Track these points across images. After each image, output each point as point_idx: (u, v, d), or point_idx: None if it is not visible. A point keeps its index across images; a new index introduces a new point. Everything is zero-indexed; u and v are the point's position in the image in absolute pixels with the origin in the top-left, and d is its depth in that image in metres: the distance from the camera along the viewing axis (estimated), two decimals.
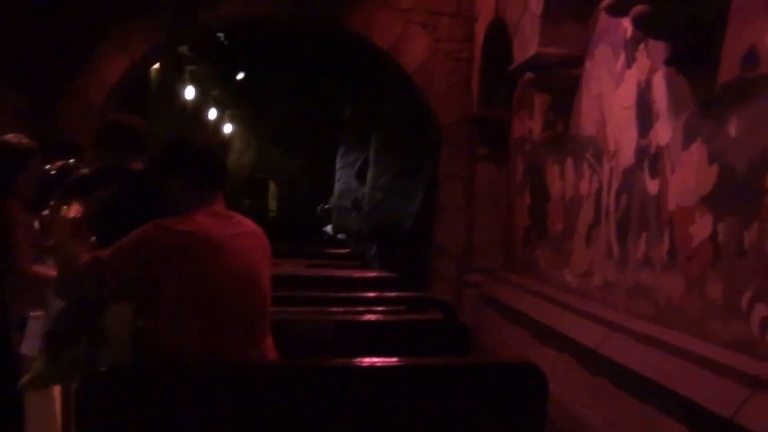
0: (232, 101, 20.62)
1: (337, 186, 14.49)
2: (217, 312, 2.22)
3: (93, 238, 4.21)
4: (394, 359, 2.15)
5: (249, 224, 2.50)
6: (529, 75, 5.70)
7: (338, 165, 14.46)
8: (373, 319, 3.10)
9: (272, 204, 25.20)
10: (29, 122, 7.29)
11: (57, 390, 5.31)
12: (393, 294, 3.50)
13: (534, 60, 5.51)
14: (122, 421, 1.91)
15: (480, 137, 7.71)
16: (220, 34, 13.71)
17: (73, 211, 3.98)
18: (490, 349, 6.09)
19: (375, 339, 2.88)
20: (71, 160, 5.10)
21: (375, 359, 2.14)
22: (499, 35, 6.82)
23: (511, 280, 6.67)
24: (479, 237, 7.68)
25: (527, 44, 5.72)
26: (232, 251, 2.30)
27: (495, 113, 7.51)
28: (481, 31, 7.56)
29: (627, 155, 4.44)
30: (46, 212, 4.04)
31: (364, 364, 2.14)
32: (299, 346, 2.82)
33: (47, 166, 4.67)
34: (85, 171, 3.74)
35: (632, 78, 4.44)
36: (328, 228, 15.16)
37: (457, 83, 8.00)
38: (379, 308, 3.30)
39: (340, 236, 13.94)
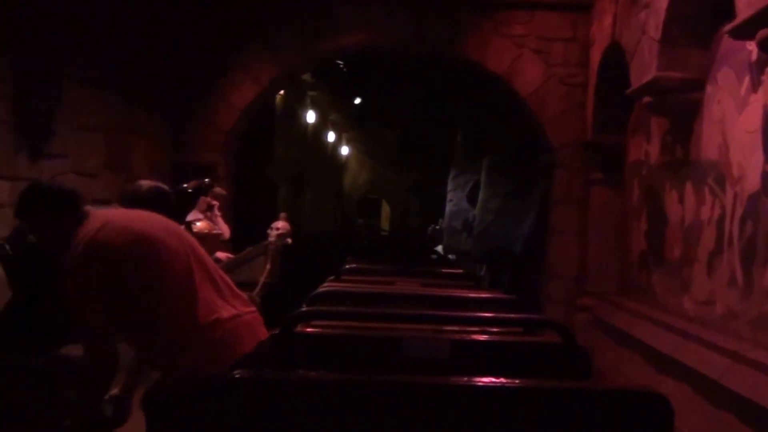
0: (349, 125, 21.07)
1: (449, 207, 14.46)
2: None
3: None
4: (513, 380, 2.10)
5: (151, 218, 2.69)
6: (647, 99, 5.51)
7: (450, 187, 14.45)
8: (489, 339, 3.03)
9: (385, 224, 25.48)
10: (167, 144, 7.72)
11: None
12: (509, 315, 3.42)
13: (652, 84, 5.33)
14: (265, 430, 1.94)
15: (594, 161, 7.51)
16: (340, 62, 14.06)
17: (206, 227, 4.17)
18: (605, 375, 5.87)
19: (491, 359, 2.82)
20: (206, 179, 5.38)
21: (493, 379, 2.09)
22: (615, 60, 6.64)
23: (625, 305, 6.41)
24: (592, 261, 7.46)
25: (645, 68, 5.53)
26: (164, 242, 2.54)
27: (610, 137, 7.31)
28: (596, 56, 7.38)
29: (752, 181, 4.19)
30: (181, 227, 4.27)
31: (482, 384, 2.10)
32: (415, 364, 2.80)
33: (184, 185, 4.94)
34: (220, 190, 3.93)
35: (758, 102, 4.20)
36: (439, 248, 15.16)
37: (571, 107, 7.84)
38: (495, 329, 3.23)
39: (450, 256, 13.89)
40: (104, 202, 6.54)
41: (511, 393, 2.06)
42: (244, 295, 2.75)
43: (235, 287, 2.71)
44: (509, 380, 2.06)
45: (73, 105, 6.03)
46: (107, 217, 2.60)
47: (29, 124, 5.58)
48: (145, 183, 3.37)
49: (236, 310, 2.60)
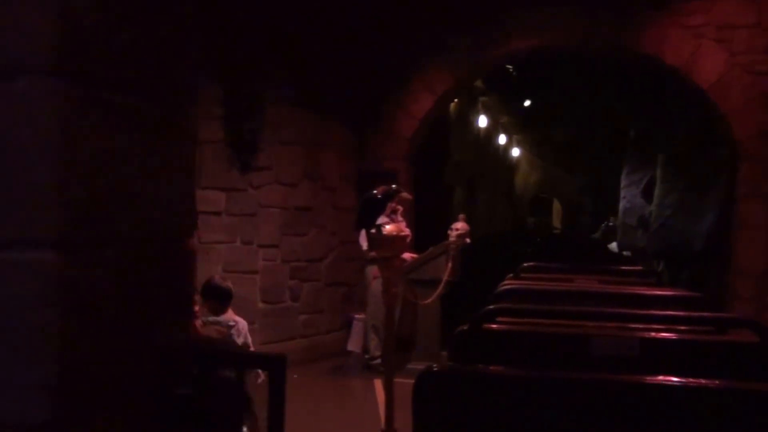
0: (519, 127, 20.76)
1: (622, 204, 13.85)
2: None
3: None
4: (712, 380, 1.97)
5: None
6: None
7: (623, 184, 13.82)
8: (680, 337, 2.86)
9: (556, 222, 24.85)
10: (353, 153, 8.04)
11: (378, 382, 5.74)
12: (701, 313, 3.19)
13: None
14: (459, 422, 1.97)
15: None
16: (509, 66, 13.90)
17: (394, 229, 4.29)
18: None
19: (682, 359, 2.65)
20: (393, 186, 5.55)
21: (691, 379, 1.97)
22: None
23: None
24: None
25: None
26: None
27: None
28: None
29: None
30: (373, 231, 4.42)
31: (679, 383, 1.99)
32: (601, 361, 2.71)
33: (374, 191, 5.13)
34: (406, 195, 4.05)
35: None
36: (613, 245, 14.55)
37: (756, 97, 7.20)
38: (683, 327, 3.04)
39: (625, 253, 13.29)
40: (305, 209, 6.97)
41: (710, 394, 1.93)
42: None
43: None
44: (709, 380, 1.94)
45: (274, 123, 6.48)
46: None
47: (239, 142, 6.09)
48: None
49: None
